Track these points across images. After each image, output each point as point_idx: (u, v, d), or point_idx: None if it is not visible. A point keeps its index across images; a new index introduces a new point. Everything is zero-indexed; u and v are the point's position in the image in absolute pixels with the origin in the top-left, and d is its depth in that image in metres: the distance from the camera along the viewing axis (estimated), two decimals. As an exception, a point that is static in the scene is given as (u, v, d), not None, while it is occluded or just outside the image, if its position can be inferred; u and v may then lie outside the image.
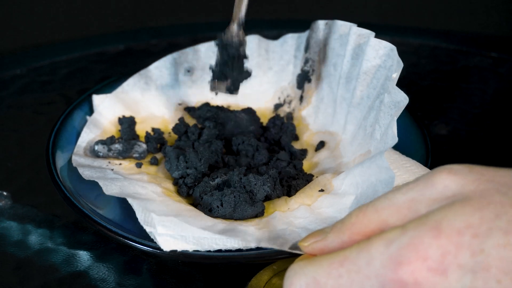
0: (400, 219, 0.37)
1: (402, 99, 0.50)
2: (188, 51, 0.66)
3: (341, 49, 0.59)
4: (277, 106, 0.65)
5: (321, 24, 0.61)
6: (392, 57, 0.53)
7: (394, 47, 0.54)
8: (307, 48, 0.63)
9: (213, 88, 0.59)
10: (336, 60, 0.60)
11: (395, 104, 0.51)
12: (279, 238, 0.47)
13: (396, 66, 0.52)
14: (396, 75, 0.52)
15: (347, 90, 0.58)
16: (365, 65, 0.56)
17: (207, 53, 0.66)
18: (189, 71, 0.66)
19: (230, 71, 0.58)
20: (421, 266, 0.34)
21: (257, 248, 0.47)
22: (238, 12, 0.58)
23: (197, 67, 0.66)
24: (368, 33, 0.56)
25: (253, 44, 0.66)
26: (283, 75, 0.66)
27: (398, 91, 0.51)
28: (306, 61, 0.63)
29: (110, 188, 0.51)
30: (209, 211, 0.51)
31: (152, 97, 0.65)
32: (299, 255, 0.41)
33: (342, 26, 0.59)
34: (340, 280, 0.36)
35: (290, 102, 0.65)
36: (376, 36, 0.55)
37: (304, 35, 0.64)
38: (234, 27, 0.58)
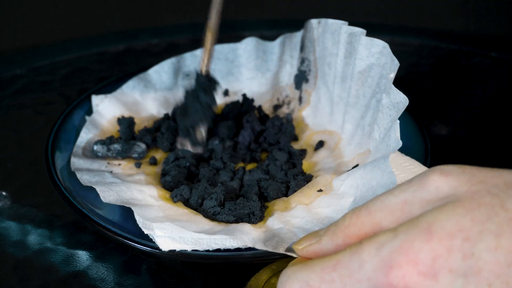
0: (393, 221, 0.37)
1: (401, 100, 0.50)
2: (186, 56, 0.66)
3: (333, 48, 0.59)
4: (276, 107, 0.65)
5: (314, 23, 0.61)
6: (386, 55, 0.53)
7: (386, 45, 0.53)
8: (302, 48, 0.63)
9: (181, 145, 0.59)
10: (330, 59, 0.59)
11: (394, 104, 0.51)
12: (275, 238, 0.47)
13: (391, 65, 0.52)
14: (393, 75, 0.52)
15: (343, 89, 0.58)
16: (359, 64, 0.55)
17: None
18: (188, 75, 0.66)
19: (197, 121, 0.57)
20: (412, 270, 0.34)
21: (256, 248, 0.47)
22: (206, 59, 0.59)
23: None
24: (359, 31, 0.56)
25: (251, 46, 0.66)
26: (281, 76, 0.65)
27: (397, 92, 0.51)
28: (303, 61, 0.63)
29: (108, 195, 0.51)
30: (209, 215, 0.51)
31: (151, 99, 0.65)
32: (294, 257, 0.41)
33: (333, 25, 0.58)
34: (332, 284, 0.36)
35: (289, 103, 0.65)
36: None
37: (299, 34, 0.63)
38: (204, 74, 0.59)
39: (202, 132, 0.58)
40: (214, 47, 0.60)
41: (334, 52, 0.58)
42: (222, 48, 0.67)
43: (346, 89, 0.58)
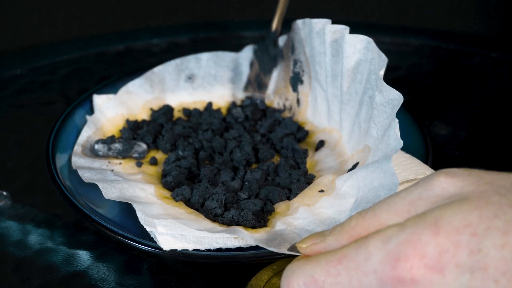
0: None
1: (395, 96, 0.50)
2: (190, 58, 0.66)
3: (321, 47, 0.59)
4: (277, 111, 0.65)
5: (299, 23, 0.61)
6: (372, 50, 0.53)
7: (371, 40, 0.53)
8: (293, 50, 0.63)
9: (246, 89, 0.66)
10: (319, 59, 0.59)
11: (388, 101, 0.50)
12: (278, 238, 0.47)
13: (378, 60, 0.52)
14: (382, 72, 0.51)
15: (335, 87, 0.58)
16: (346, 62, 0.55)
17: (208, 62, 0.67)
18: (190, 78, 0.66)
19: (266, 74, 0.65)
20: (419, 263, 0.34)
21: (257, 248, 0.47)
22: (278, 18, 0.63)
23: (198, 75, 0.66)
24: (342, 28, 0.56)
25: (251, 54, 0.66)
26: (280, 79, 0.66)
27: (389, 89, 0.50)
28: (295, 63, 0.63)
29: (110, 192, 0.51)
30: (211, 216, 0.51)
31: (152, 100, 0.65)
32: (297, 256, 0.41)
33: (317, 24, 0.58)
34: (338, 277, 0.36)
35: (290, 108, 0.65)
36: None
37: (290, 37, 0.64)
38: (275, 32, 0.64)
39: (268, 78, 0.65)
40: (286, 8, 0.64)
41: (322, 51, 0.58)
42: (224, 56, 0.67)
43: (338, 87, 0.58)
